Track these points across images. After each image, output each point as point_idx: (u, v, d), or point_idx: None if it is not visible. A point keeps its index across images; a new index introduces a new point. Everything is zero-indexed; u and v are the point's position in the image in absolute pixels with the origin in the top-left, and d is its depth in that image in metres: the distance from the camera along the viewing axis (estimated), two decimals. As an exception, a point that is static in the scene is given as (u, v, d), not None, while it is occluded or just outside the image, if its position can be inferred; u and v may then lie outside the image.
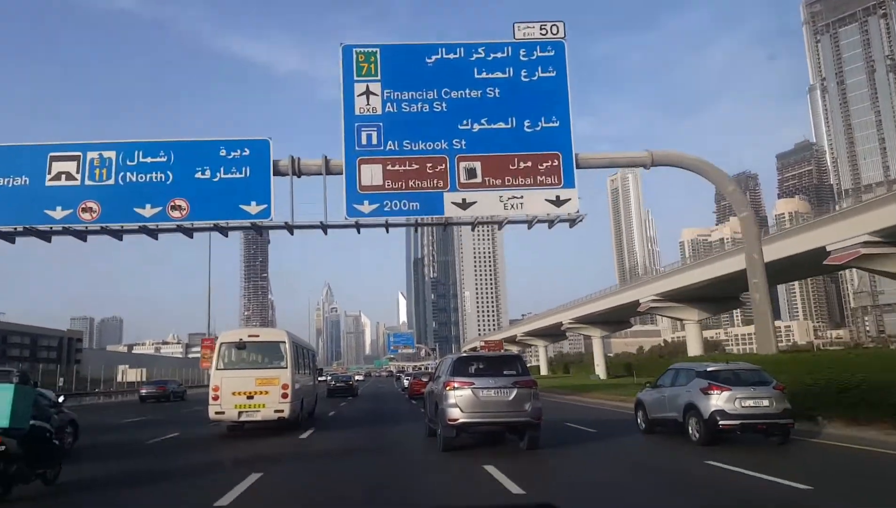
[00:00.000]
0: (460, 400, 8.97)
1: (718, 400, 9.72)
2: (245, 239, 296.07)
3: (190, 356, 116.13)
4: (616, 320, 65.70)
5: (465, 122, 16.34)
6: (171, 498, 6.93)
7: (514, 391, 9.06)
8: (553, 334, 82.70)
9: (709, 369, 10.64)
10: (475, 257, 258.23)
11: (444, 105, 16.39)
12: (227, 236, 18.51)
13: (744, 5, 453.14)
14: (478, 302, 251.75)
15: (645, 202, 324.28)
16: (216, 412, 12.59)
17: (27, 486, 6.47)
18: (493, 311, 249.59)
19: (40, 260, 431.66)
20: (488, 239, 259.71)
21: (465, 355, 10.88)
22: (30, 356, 73.69)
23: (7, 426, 6.10)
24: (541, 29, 16.77)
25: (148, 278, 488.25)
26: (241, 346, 13.27)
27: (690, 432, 10.12)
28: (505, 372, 9.39)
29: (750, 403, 9.71)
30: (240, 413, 12.49)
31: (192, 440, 12.49)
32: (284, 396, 12.57)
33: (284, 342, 13.37)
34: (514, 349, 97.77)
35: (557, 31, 16.84)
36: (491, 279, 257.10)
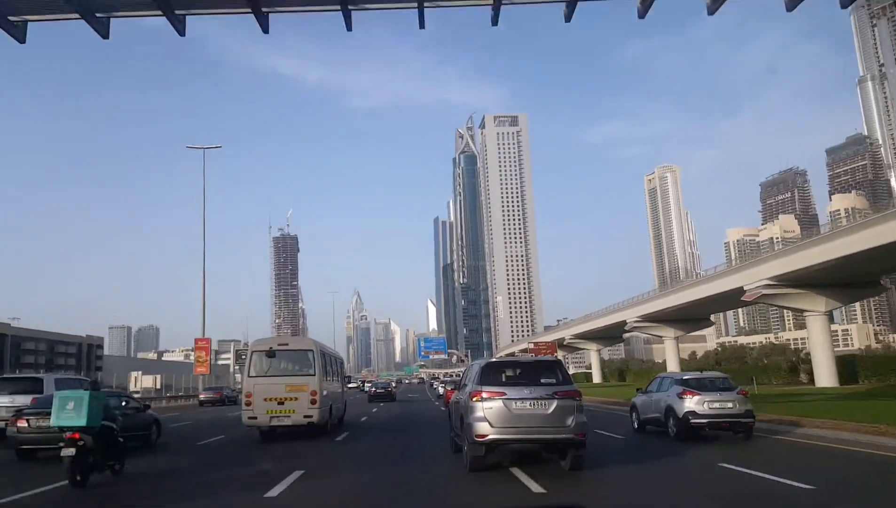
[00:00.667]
0: (490, 413, 7.92)
1: (690, 403, 11.99)
2: (275, 247, 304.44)
3: (219, 362, 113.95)
4: (695, 316, 57.91)
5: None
6: (227, 490, 7.98)
7: (554, 403, 7.99)
8: (609, 336, 76.34)
9: (684, 377, 13.28)
10: (507, 261, 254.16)
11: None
12: None
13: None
14: (510, 307, 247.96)
15: (685, 202, 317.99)
16: (249, 418, 13.41)
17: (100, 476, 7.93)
18: (526, 316, 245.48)
19: (77, 271, 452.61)
20: (520, 241, 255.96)
21: (495, 360, 9.78)
22: (46, 364, 72.40)
23: (84, 425, 7.57)
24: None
25: (184, 285, 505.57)
26: (271, 354, 14.04)
27: (669, 429, 12.40)
28: (542, 380, 8.37)
29: (716, 405, 11.95)
30: (271, 418, 13.27)
31: (237, 442, 13.58)
32: (313, 402, 13.35)
33: (312, 350, 14.17)
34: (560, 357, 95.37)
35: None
36: (524, 283, 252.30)
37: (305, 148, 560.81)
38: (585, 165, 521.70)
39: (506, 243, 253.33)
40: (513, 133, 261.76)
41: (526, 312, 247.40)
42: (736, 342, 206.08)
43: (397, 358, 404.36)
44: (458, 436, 9.56)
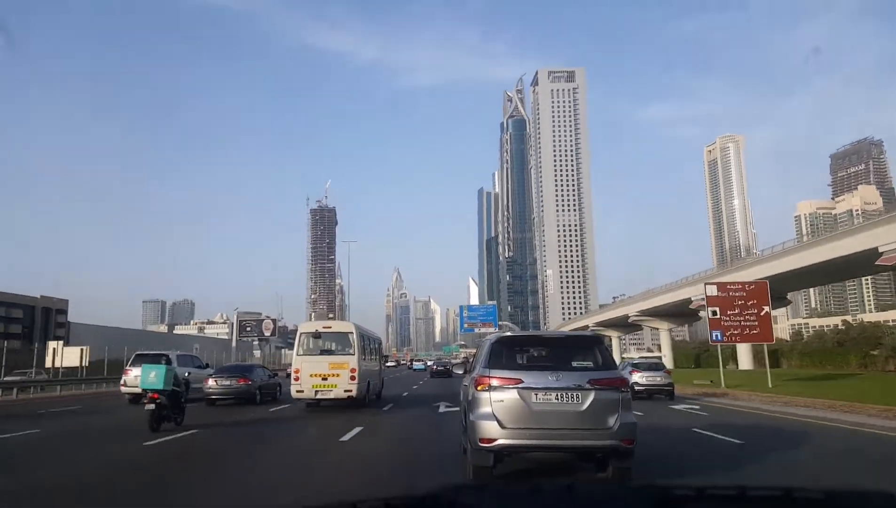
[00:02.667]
0: (500, 409, 6.34)
1: (635, 377, 21.29)
2: (312, 219, 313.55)
3: (244, 338, 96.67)
4: (774, 293, 55.40)
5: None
6: (314, 435, 12.45)
7: (591, 396, 6.34)
8: (679, 313, 71.86)
9: (634, 361, 23.89)
10: (559, 230, 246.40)
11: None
12: None
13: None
14: (562, 282, 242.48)
15: (748, 176, 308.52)
16: (297, 391, 16.78)
17: (166, 427, 12.20)
18: (579, 291, 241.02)
19: (115, 247, 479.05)
20: (574, 208, 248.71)
21: (510, 335, 7.64)
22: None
23: (161, 388, 12.05)
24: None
25: (218, 257, 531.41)
26: (317, 336, 17.53)
27: None
28: (575, 363, 6.75)
29: (650, 379, 21.64)
30: (316, 392, 16.58)
31: (302, 410, 17.72)
32: (353, 378, 16.58)
33: (353, 332, 17.45)
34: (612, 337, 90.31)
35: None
36: (577, 255, 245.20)
37: (347, 123, 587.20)
38: (641, 142, 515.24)
39: (558, 210, 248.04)
40: (569, 90, 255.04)
41: (579, 286, 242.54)
42: (808, 324, 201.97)
43: (437, 338, 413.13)
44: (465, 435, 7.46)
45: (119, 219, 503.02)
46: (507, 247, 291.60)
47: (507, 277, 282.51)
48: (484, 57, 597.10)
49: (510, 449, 6.51)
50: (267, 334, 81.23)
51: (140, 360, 19.28)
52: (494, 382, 6.48)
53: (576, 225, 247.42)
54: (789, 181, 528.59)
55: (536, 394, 6.37)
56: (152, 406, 11.94)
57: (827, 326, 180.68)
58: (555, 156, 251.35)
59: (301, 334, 17.97)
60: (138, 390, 13.78)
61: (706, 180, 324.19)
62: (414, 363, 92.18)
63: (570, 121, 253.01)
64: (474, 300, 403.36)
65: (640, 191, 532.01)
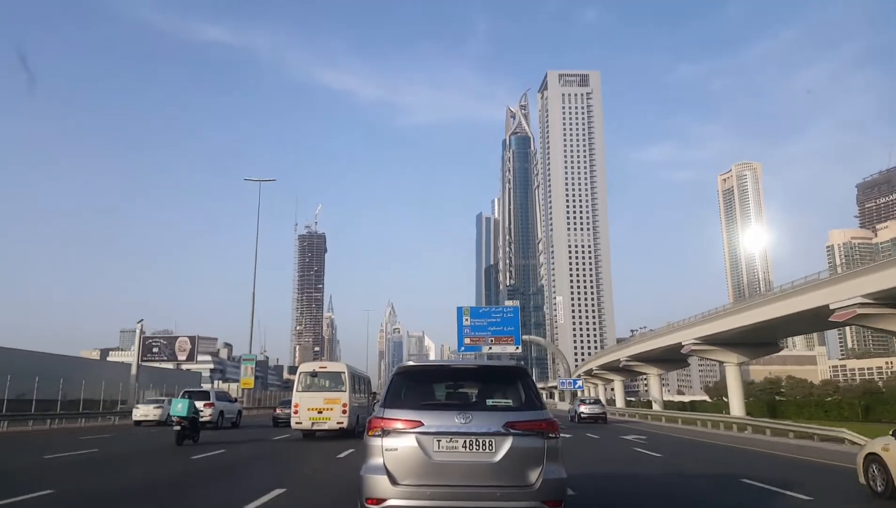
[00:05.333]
0: (393, 460, 5.55)
1: (581, 408, 41.69)
2: (300, 246, 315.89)
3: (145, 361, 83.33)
4: (763, 340, 55.20)
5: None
6: (313, 454, 16.78)
7: (507, 444, 5.52)
8: (669, 359, 71.73)
9: (581, 400, 45.82)
10: (571, 251, 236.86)
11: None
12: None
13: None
14: (574, 310, 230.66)
15: (766, 205, 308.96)
16: (296, 423, 21.54)
17: (184, 444, 18.65)
18: (594, 322, 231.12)
19: (95, 273, 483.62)
20: (588, 225, 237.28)
21: (411, 364, 6.69)
22: None
23: (186, 416, 18.99)
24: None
25: (205, 289, 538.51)
26: (314, 374, 22.60)
27: (573, 419, 41.28)
28: (491, 402, 6.13)
29: (591, 410, 41.31)
30: (312, 423, 21.35)
31: (300, 439, 21.78)
32: (344, 412, 21.30)
33: (344, 372, 22.38)
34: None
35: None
36: (592, 280, 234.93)
37: (339, 149, 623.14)
38: (650, 181, 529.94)
39: (569, 228, 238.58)
40: (581, 95, 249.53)
41: (594, 316, 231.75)
42: (845, 366, 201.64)
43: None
44: None
45: (100, 248, 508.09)
46: (508, 274, 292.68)
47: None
48: (480, 95, 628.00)
49: None
50: (182, 356, 67.24)
51: (188, 395, 24.60)
52: (387, 425, 5.66)
53: (589, 246, 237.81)
54: (810, 212, 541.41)
55: (439, 441, 5.53)
56: (178, 428, 18.83)
57: (868, 369, 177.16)
58: (566, 168, 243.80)
59: (300, 373, 22.95)
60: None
61: (721, 211, 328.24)
62: None
63: (584, 128, 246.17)
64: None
65: (664, 218, 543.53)
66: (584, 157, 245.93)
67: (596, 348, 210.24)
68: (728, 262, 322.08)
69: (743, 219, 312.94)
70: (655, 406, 73.30)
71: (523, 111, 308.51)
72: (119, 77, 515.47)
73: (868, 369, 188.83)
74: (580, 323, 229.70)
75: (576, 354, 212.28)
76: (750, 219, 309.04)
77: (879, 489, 9.77)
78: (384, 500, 5.46)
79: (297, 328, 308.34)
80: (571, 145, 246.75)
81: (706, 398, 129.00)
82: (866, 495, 9.93)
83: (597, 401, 44.99)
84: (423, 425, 5.57)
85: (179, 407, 19.20)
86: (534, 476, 5.48)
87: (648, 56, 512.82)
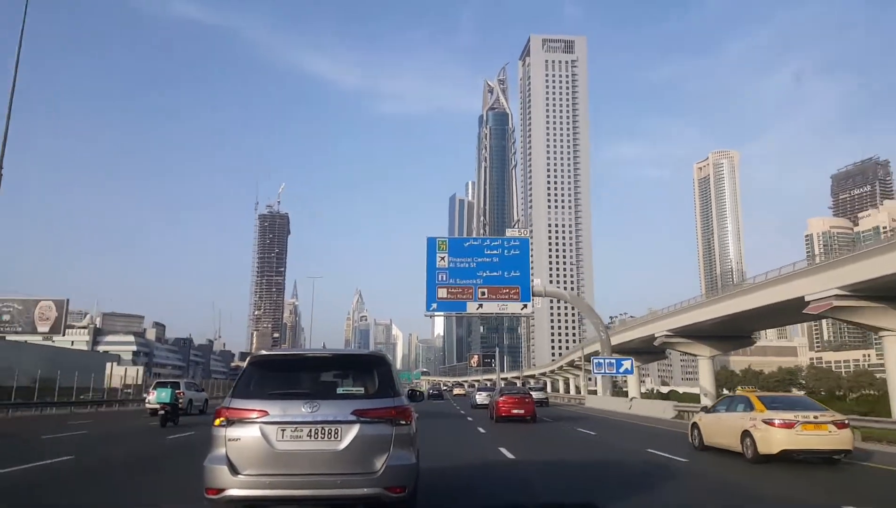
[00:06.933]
0: (235, 449, 5.69)
1: (477, 396, 44.21)
2: (261, 226, 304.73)
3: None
4: (736, 333, 57.93)
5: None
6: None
7: (353, 432, 5.72)
8: (646, 351, 72.09)
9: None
10: (551, 230, 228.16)
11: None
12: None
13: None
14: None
15: (742, 195, 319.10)
16: None
17: (166, 425, 23.61)
18: (573, 308, 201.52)
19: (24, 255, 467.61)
20: (570, 202, 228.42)
21: (264, 354, 6.80)
22: None
23: (168, 401, 24.24)
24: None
25: (161, 271, 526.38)
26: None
27: (490, 416, 28.91)
28: (341, 390, 6.27)
29: (481, 400, 41.35)
30: None
31: None
32: None
33: None
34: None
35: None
36: (572, 260, 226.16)
37: (312, 140, 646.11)
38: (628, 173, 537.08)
39: (550, 205, 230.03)
40: (566, 62, 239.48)
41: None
42: (821, 358, 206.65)
43: (399, 365, 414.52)
44: None
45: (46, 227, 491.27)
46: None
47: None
48: (459, 84, 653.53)
49: (244, 502, 5.67)
50: (43, 327, 64.10)
51: (159, 385, 29.54)
52: (234, 415, 5.78)
53: (570, 225, 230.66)
54: (787, 203, 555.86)
55: (283, 430, 5.68)
56: (163, 412, 23.56)
57: (845, 361, 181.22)
58: (548, 140, 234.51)
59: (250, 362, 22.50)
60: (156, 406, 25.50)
61: (696, 201, 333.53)
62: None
63: (568, 99, 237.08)
64: (439, 330, 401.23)
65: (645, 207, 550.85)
66: (568, 129, 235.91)
67: (574, 336, 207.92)
68: (701, 252, 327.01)
69: (718, 209, 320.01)
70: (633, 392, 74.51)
71: (501, 85, 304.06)
72: (79, 43, 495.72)
73: (845, 361, 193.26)
74: (558, 309, 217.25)
75: (552, 343, 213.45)
76: (725, 209, 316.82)
77: (696, 444, 15.78)
78: (223, 490, 5.62)
79: (256, 312, 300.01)
80: (554, 116, 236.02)
81: (691, 389, 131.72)
82: (693, 448, 15.75)
83: (539, 388, 56.59)
84: (268, 414, 5.73)
85: (164, 395, 24.02)
86: (379, 462, 5.69)
87: (636, 54, 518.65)
